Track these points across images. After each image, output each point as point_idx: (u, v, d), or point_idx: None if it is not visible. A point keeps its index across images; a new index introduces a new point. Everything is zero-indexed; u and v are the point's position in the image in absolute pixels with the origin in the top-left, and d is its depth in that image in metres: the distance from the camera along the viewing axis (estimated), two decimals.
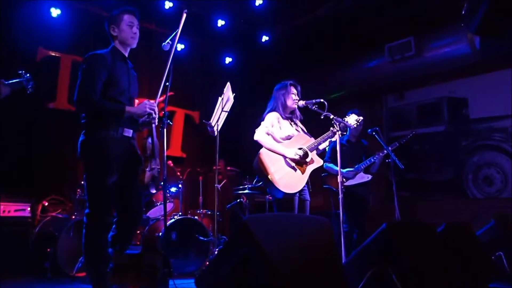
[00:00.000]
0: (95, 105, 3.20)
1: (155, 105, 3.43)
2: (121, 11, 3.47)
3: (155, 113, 3.39)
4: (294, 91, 4.28)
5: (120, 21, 3.43)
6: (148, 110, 3.34)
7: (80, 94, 3.21)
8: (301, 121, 4.41)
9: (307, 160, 4.09)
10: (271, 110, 4.25)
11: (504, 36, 5.61)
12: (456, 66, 6.74)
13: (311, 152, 4.11)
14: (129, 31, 3.45)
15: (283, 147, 4.05)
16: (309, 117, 4.48)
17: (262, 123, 4.19)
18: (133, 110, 3.35)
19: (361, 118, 4.47)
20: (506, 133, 6.57)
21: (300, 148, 4.07)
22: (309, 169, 4.11)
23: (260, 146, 4.12)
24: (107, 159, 3.22)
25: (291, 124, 4.27)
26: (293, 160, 4.03)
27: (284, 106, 4.24)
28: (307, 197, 4.17)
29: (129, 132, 3.37)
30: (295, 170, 4.04)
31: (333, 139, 4.27)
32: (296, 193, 4.00)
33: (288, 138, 4.14)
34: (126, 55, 3.50)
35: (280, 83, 4.35)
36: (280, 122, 4.19)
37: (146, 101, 3.41)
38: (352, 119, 4.38)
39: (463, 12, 5.58)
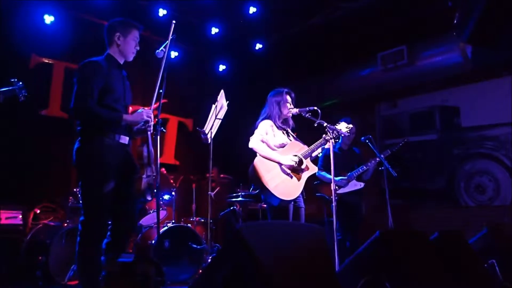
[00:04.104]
0: (92, 113, 3.18)
1: (151, 112, 3.43)
2: (132, 24, 3.48)
3: (151, 121, 3.40)
4: (289, 99, 4.29)
5: (129, 33, 3.45)
6: (145, 117, 3.35)
7: (77, 101, 3.19)
8: (292, 129, 4.42)
9: (302, 167, 4.10)
10: (265, 118, 4.26)
11: (495, 45, 5.66)
12: (448, 75, 6.79)
13: (305, 159, 4.13)
14: (133, 46, 3.48)
15: (278, 154, 4.06)
16: (300, 125, 4.49)
17: (256, 131, 4.19)
18: (130, 118, 3.34)
19: (351, 126, 4.49)
20: (497, 141, 6.61)
21: (294, 155, 4.08)
22: (305, 176, 4.12)
23: (255, 154, 4.12)
24: (103, 167, 3.21)
25: (283, 133, 4.28)
26: (289, 167, 4.04)
27: (279, 114, 4.25)
28: (302, 204, 4.17)
29: (125, 140, 3.37)
30: (291, 177, 4.05)
31: (325, 147, 4.28)
32: (291, 200, 4.01)
33: (282, 146, 4.15)
34: (121, 63, 3.51)
35: (275, 90, 4.36)
36: (274, 130, 4.20)
37: (142, 108, 3.41)
38: (343, 127, 4.39)
39: (455, 22, 5.63)
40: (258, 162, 4.03)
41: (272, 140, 4.15)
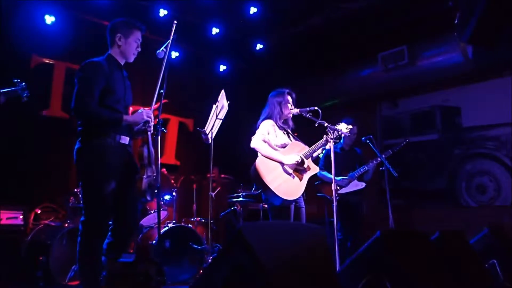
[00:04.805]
0: (93, 113, 3.19)
1: (151, 112, 3.43)
2: (134, 25, 3.46)
3: (151, 121, 3.40)
4: (290, 99, 4.30)
5: (130, 34, 3.44)
6: (145, 117, 3.35)
7: (77, 102, 3.19)
8: (292, 130, 4.42)
9: (304, 167, 4.10)
10: (266, 118, 4.26)
11: (496, 45, 5.66)
12: (449, 75, 6.78)
13: (306, 159, 4.13)
14: (134, 47, 3.47)
15: (280, 154, 4.07)
16: (301, 125, 4.50)
17: (258, 130, 4.19)
18: (131, 118, 3.34)
19: (351, 126, 4.47)
20: (498, 141, 6.61)
21: (297, 155, 4.10)
22: (306, 176, 4.13)
23: (256, 154, 4.12)
24: (103, 167, 3.21)
25: (284, 133, 4.29)
26: (291, 167, 4.05)
27: (280, 114, 4.25)
28: (302, 204, 4.18)
29: (125, 140, 3.37)
30: (293, 177, 4.05)
31: (326, 147, 4.29)
32: (293, 200, 4.02)
33: (283, 146, 4.16)
34: (122, 64, 3.50)
35: (276, 91, 4.36)
36: (276, 130, 4.20)
37: (142, 109, 3.42)
38: (343, 127, 4.39)
39: (455, 22, 5.63)
40: (260, 162, 4.03)
41: (274, 140, 4.15)
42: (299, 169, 4.10)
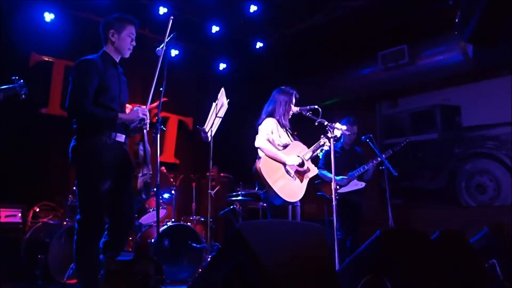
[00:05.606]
0: (87, 112, 3.16)
1: (147, 110, 3.41)
2: (126, 19, 3.43)
3: (147, 119, 3.37)
4: (294, 100, 4.30)
5: (123, 29, 3.40)
6: (141, 115, 3.33)
7: (72, 101, 3.17)
8: (290, 129, 4.41)
9: (304, 168, 4.09)
10: (269, 115, 4.23)
11: (497, 44, 5.65)
12: (449, 74, 6.77)
13: (306, 161, 4.13)
14: (128, 42, 3.43)
15: (284, 154, 4.05)
16: (298, 124, 4.49)
17: (262, 128, 4.15)
18: (126, 117, 3.32)
19: (345, 127, 4.43)
20: (498, 141, 6.60)
21: (298, 156, 4.09)
22: (307, 177, 4.12)
23: (255, 153, 4.11)
24: (99, 165, 3.19)
25: (284, 132, 4.28)
26: (292, 167, 4.04)
27: (285, 113, 4.23)
28: (298, 202, 4.17)
29: (121, 138, 3.35)
30: (295, 178, 4.04)
31: (325, 148, 4.28)
32: (294, 202, 4.01)
33: (285, 146, 4.15)
34: (117, 61, 3.47)
35: (283, 89, 4.32)
36: (279, 130, 4.19)
37: (138, 106, 3.39)
38: (340, 127, 4.35)
39: (456, 21, 5.62)
40: (263, 162, 4.00)
41: (277, 139, 4.14)
42: (299, 170, 4.09)
